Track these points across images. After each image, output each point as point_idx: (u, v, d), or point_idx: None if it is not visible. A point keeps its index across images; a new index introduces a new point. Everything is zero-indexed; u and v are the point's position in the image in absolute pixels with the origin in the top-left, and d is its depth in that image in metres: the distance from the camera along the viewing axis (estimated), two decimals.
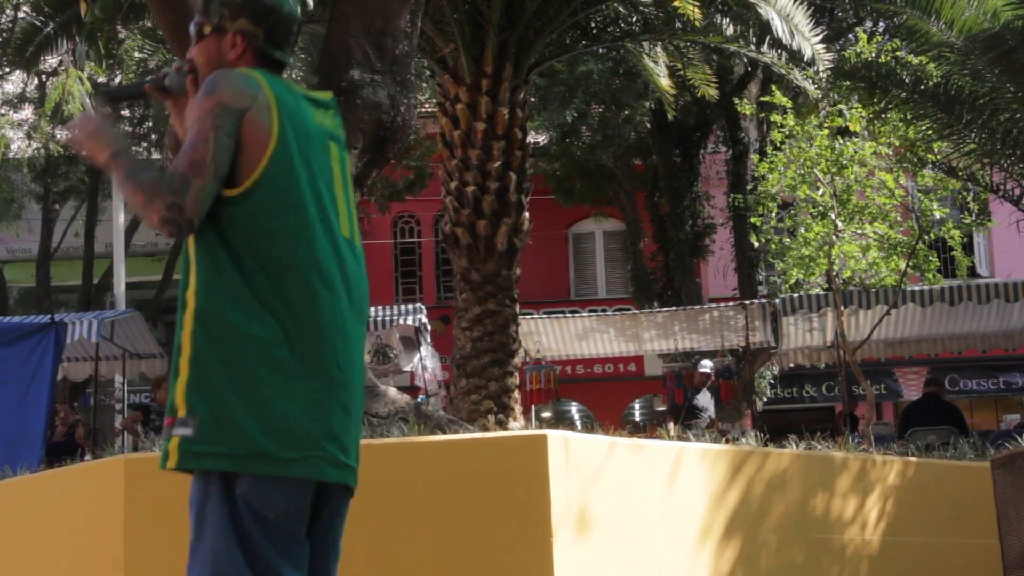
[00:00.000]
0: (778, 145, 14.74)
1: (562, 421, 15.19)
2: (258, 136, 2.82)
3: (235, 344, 2.78)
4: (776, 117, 14.50)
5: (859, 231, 14.40)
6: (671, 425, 13.43)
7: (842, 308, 13.28)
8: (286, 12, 3.05)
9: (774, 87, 15.27)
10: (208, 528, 2.78)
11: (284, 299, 2.81)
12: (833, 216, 13.50)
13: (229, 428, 2.73)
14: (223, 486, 2.75)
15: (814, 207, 14.19)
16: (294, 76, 18.58)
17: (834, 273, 13.64)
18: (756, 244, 18.06)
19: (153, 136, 23.26)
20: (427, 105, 19.61)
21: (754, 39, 13.24)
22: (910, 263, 14.46)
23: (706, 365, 15.77)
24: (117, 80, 21.82)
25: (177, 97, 3.11)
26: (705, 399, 15.15)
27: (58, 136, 22.74)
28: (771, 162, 14.90)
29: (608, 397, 24.18)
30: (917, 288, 14.81)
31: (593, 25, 13.09)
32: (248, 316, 2.79)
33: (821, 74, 12.64)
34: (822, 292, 15.54)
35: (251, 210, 2.82)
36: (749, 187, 19.02)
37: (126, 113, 24.41)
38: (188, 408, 2.76)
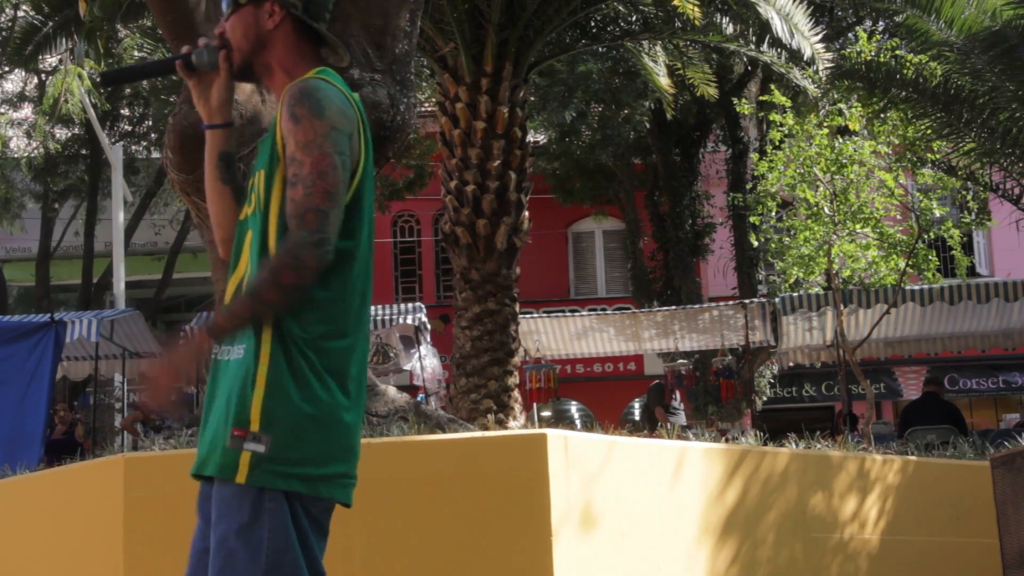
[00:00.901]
0: (777, 144, 14.73)
1: (562, 420, 15.18)
2: (358, 158, 2.77)
3: (310, 364, 2.70)
4: (775, 116, 14.49)
5: (857, 230, 14.39)
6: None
7: (842, 307, 13.28)
8: None
9: (773, 86, 15.26)
10: (266, 542, 2.67)
11: (349, 318, 2.77)
12: (830, 214, 13.49)
13: (301, 449, 2.68)
14: (282, 499, 2.69)
15: (808, 208, 14.18)
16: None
17: (834, 272, 13.64)
18: (756, 243, 18.06)
19: (152, 135, 23.25)
20: (427, 104, 19.62)
21: (754, 38, 13.25)
22: (909, 262, 14.45)
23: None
24: None
25: (202, 75, 2.95)
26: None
27: (58, 135, 22.78)
28: (771, 161, 14.89)
29: (608, 396, 24.18)
30: (917, 287, 14.80)
31: (593, 24, 13.09)
32: (324, 334, 2.71)
33: (821, 73, 12.64)
34: (822, 291, 15.54)
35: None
36: (749, 186, 19.01)
37: (125, 112, 24.41)
38: (263, 423, 2.66)
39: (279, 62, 2.92)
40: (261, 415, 2.65)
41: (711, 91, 14.67)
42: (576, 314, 18.65)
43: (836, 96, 13.31)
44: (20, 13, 17.67)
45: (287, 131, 2.69)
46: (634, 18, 13.16)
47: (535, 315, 17.93)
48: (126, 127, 24.64)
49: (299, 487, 2.66)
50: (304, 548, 2.70)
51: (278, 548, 2.65)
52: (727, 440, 7.38)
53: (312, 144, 2.65)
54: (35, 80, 23.22)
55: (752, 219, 16.62)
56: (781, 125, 14.45)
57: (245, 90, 6.71)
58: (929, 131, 12.04)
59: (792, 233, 15.68)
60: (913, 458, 7.39)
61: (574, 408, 25.49)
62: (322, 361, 2.69)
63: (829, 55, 12.74)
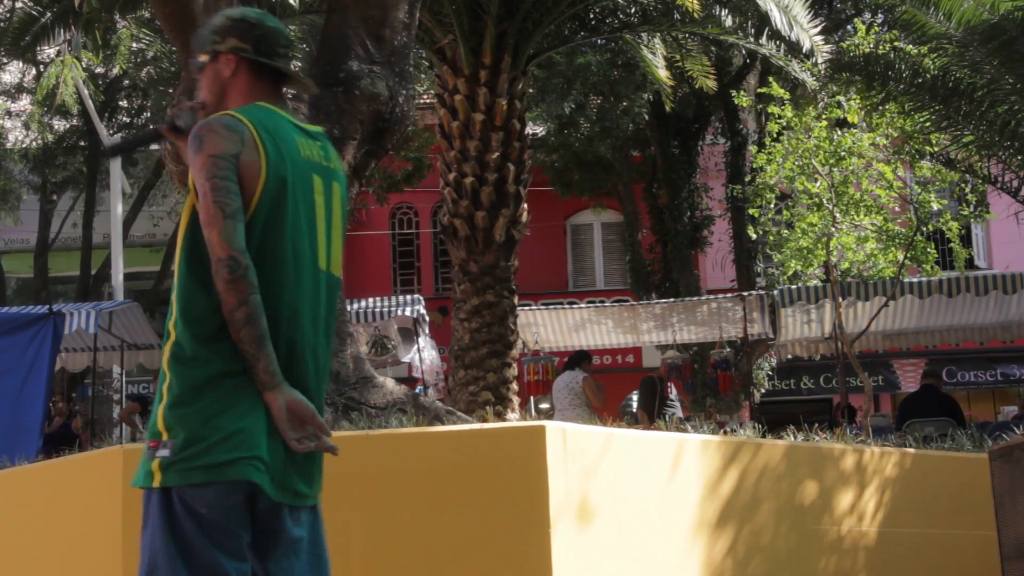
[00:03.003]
0: (776, 137, 14.73)
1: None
2: (252, 174, 2.98)
3: (194, 369, 2.93)
4: (774, 109, 14.49)
5: (856, 222, 14.40)
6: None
7: (840, 300, 13.28)
8: (270, 25, 3.21)
9: (772, 79, 15.25)
10: (148, 543, 2.92)
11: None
12: (830, 207, 13.50)
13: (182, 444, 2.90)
14: (159, 499, 2.90)
15: (809, 198, 14.19)
16: (292, 66, 18.55)
17: (832, 264, 13.64)
18: (754, 236, 18.07)
19: (151, 127, 23.21)
20: (425, 96, 19.60)
21: (753, 30, 13.24)
22: (908, 255, 14.46)
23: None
24: (114, 71, 21.80)
25: (186, 134, 3.16)
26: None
27: (56, 126, 22.76)
28: (769, 153, 14.89)
29: (606, 388, 24.16)
30: (915, 280, 14.81)
31: (591, 16, 13.08)
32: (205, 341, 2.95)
33: (820, 66, 12.63)
34: (820, 284, 15.54)
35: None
36: (747, 179, 19.02)
37: (123, 103, 24.40)
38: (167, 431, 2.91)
39: (236, 106, 3.14)
40: (163, 424, 2.92)
41: (710, 83, 14.67)
42: (574, 306, 18.65)
43: (835, 88, 13.30)
44: (18, 3, 17.64)
45: None
46: (633, 10, 13.15)
47: (533, 307, 17.94)
48: (124, 119, 24.62)
49: (198, 477, 2.86)
50: (184, 546, 2.87)
51: (154, 549, 2.88)
52: (725, 432, 7.39)
53: (196, 181, 2.97)
54: (33, 71, 23.19)
55: (751, 211, 16.63)
56: (780, 117, 14.45)
57: None
58: (928, 124, 12.02)
59: (791, 225, 15.69)
60: (911, 450, 7.40)
61: None
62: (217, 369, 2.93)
63: (828, 47, 12.73)
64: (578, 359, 14.12)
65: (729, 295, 17.65)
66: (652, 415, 13.67)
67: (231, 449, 2.88)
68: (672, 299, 18.44)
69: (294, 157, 3.08)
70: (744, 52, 18.69)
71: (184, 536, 2.86)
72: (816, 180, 13.83)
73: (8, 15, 18.95)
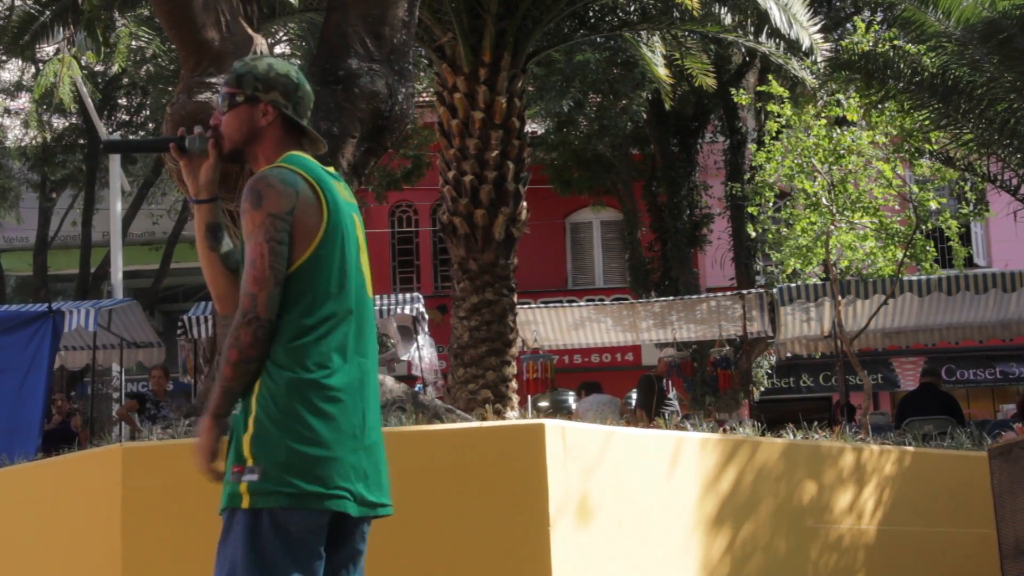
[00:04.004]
0: (775, 135, 14.73)
1: (559, 411, 15.19)
2: (311, 223, 3.21)
3: (297, 401, 3.15)
4: (773, 107, 14.48)
5: (854, 221, 14.40)
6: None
7: (839, 298, 13.28)
8: (307, 88, 3.45)
9: (771, 77, 15.24)
10: (228, 558, 3.12)
11: (330, 353, 3.21)
12: (828, 204, 13.50)
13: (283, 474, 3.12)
14: (244, 519, 3.11)
15: (807, 197, 14.19)
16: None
17: (831, 263, 13.64)
18: (753, 234, 18.06)
19: (150, 125, 23.22)
20: (425, 94, 19.58)
21: (752, 28, 13.23)
22: (907, 253, 14.46)
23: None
24: (113, 69, 21.78)
25: (192, 157, 3.39)
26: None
27: (55, 124, 22.74)
28: (768, 152, 14.89)
29: (605, 386, 24.15)
30: (914, 278, 14.80)
31: (591, 14, 13.08)
32: (306, 371, 3.19)
33: (819, 64, 12.63)
34: (819, 282, 15.54)
35: (297, 280, 3.22)
36: (746, 177, 19.01)
37: (123, 101, 24.39)
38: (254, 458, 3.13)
39: (264, 153, 3.37)
40: (250, 451, 3.12)
41: (709, 81, 14.66)
42: (574, 304, 18.65)
43: (834, 87, 13.30)
44: (17, 1, 17.63)
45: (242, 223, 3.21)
46: (632, 8, 13.14)
47: (533, 305, 17.93)
48: (124, 117, 24.61)
49: (284, 503, 3.08)
50: (270, 557, 3.07)
51: (234, 563, 3.08)
52: (725, 430, 7.39)
53: (250, 235, 3.17)
54: (32, 69, 23.18)
55: (750, 209, 16.63)
56: (779, 116, 14.44)
57: None
58: (927, 122, 12.02)
59: (790, 223, 15.69)
60: (910, 449, 7.40)
61: (571, 399, 25.48)
62: (308, 394, 3.14)
63: (827, 45, 12.72)
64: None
65: (728, 293, 17.65)
66: (650, 413, 13.68)
67: (321, 478, 3.11)
68: (671, 297, 18.43)
69: (339, 200, 3.30)
70: (743, 50, 18.68)
71: (267, 554, 3.07)
72: (815, 179, 13.83)
73: (7, 13, 18.93)
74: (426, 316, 17.14)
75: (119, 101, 24.36)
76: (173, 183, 17.19)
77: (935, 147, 13.34)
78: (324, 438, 3.12)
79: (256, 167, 3.36)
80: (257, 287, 3.14)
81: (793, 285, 15.19)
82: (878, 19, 19.29)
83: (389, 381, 6.80)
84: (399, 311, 16.39)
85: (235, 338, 3.12)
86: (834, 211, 13.61)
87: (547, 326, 17.88)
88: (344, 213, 3.31)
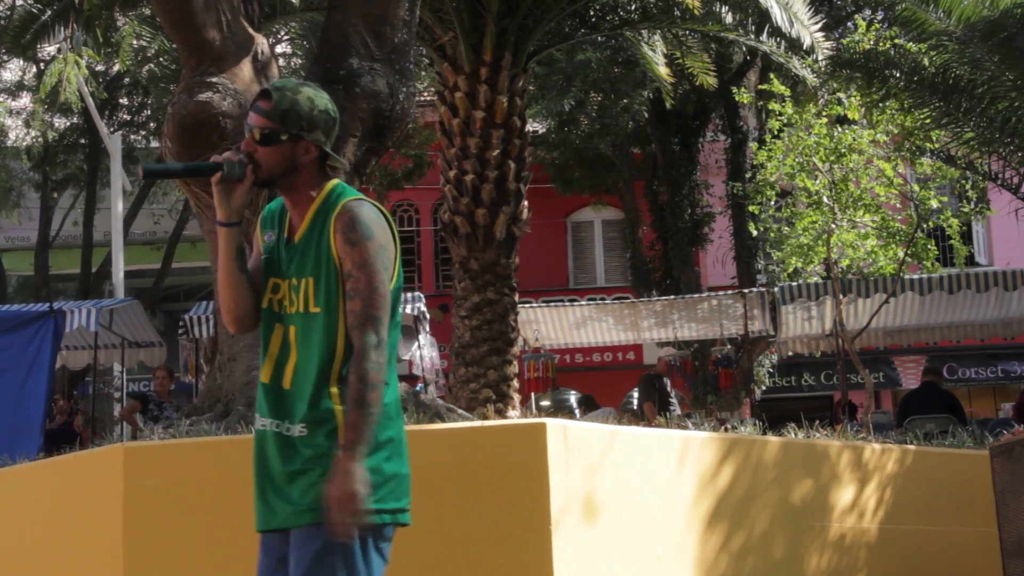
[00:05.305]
0: (776, 133, 14.72)
1: (561, 410, 15.18)
2: (394, 253, 3.39)
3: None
4: (774, 105, 14.48)
5: (856, 219, 14.39)
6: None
7: (841, 296, 13.28)
8: (337, 119, 3.53)
9: (772, 75, 15.24)
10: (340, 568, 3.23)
11: (393, 391, 3.39)
12: (830, 202, 13.49)
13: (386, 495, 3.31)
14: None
15: (808, 196, 14.18)
16: (292, 64, 18.55)
17: (833, 261, 13.64)
18: (755, 232, 18.06)
19: (152, 124, 23.22)
20: (426, 93, 19.58)
21: (753, 27, 13.22)
22: (908, 251, 14.45)
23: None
24: (115, 68, 21.78)
25: (227, 182, 3.40)
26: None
27: (57, 124, 22.73)
28: (770, 150, 14.88)
29: (606, 385, 24.17)
30: (916, 276, 14.80)
31: (592, 13, 13.07)
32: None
33: (820, 63, 12.62)
34: (821, 280, 15.53)
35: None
36: (748, 175, 19.01)
37: (124, 101, 24.38)
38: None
39: (304, 183, 3.43)
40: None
41: (710, 80, 14.65)
42: (575, 303, 18.65)
43: (835, 85, 13.29)
44: (18, 1, 17.63)
45: (344, 252, 3.29)
46: (633, 7, 13.13)
47: (534, 304, 17.93)
48: (125, 116, 24.62)
49: (387, 519, 3.29)
50: (368, 568, 3.25)
51: (349, 571, 3.21)
52: (726, 429, 7.39)
53: (366, 264, 3.28)
54: (33, 69, 23.18)
55: (751, 208, 16.62)
56: (780, 114, 14.44)
57: (244, 79, 6.71)
58: (928, 120, 12.01)
59: (791, 222, 15.68)
60: (912, 447, 7.40)
61: (573, 398, 25.49)
62: (385, 415, 3.30)
63: (828, 44, 12.72)
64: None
65: (730, 292, 17.64)
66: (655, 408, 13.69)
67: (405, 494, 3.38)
68: (673, 296, 18.43)
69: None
70: (744, 49, 18.67)
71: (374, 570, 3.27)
72: (816, 177, 13.82)
73: (8, 13, 18.94)
74: (427, 315, 17.14)
75: (120, 100, 24.36)
76: (174, 183, 17.18)
77: (936, 146, 13.34)
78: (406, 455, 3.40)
79: (293, 195, 3.44)
80: (381, 311, 3.26)
81: (794, 284, 15.19)
82: (879, 18, 19.29)
83: None
84: (400, 310, 16.37)
85: (374, 362, 3.22)
86: (835, 210, 13.60)
87: (548, 325, 17.88)
88: None
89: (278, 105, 3.38)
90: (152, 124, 23.19)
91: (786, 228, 16.08)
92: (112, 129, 21.83)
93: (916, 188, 14.36)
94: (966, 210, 15.42)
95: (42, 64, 22.03)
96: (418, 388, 12.54)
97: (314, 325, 3.32)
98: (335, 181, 3.45)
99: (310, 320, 3.33)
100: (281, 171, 3.41)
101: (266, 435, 3.35)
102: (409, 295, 17.08)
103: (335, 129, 3.49)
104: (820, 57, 12.44)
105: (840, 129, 13.70)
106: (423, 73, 17.26)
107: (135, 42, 16.84)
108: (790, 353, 18.43)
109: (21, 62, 22.94)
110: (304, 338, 3.34)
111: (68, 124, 23.72)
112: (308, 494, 3.25)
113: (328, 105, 3.46)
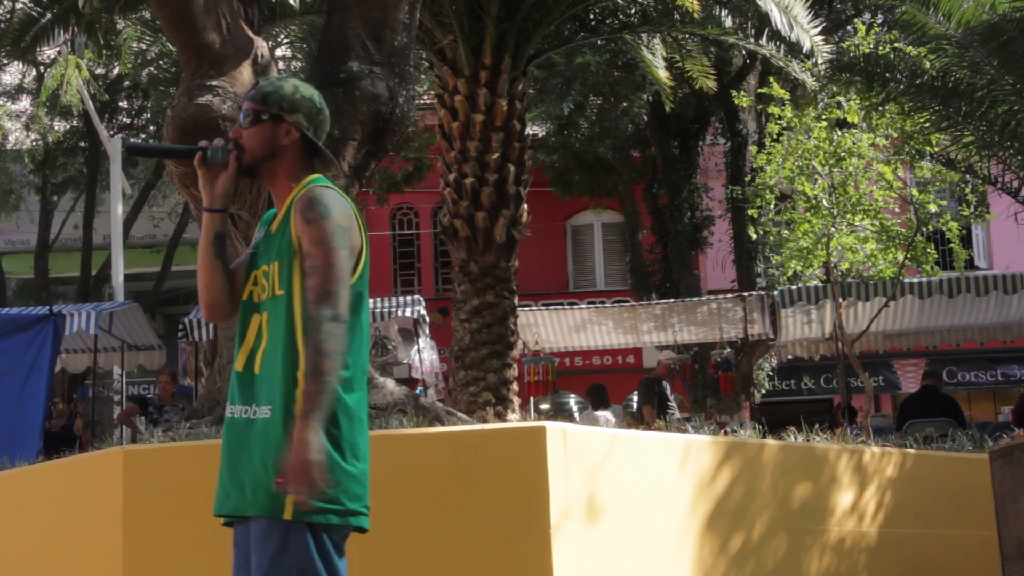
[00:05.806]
0: (776, 137, 14.72)
1: (560, 413, 15.17)
2: (358, 246, 3.38)
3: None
4: (774, 109, 14.49)
5: (855, 223, 14.38)
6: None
7: (840, 300, 13.28)
8: (327, 113, 3.62)
9: (772, 79, 15.24)
10: (295, 567, 3.21)
11: (359, 377, 3.37)
12: (829, 207, 13.49)
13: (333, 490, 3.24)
14: (306, 530, 3.21)
15: (806, 201, 14.18)
16: (292, 67, 18.56)
17: (832, 265, 13.63)
18: (754, 236, 18.06)
19: (151, 128, 23.23)
20: (425, 97, 19.59)
21: (753, 31, 13.24)
22: (908, 255, 14.44)
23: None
24: (115, 71, 21.79)
25: (211, 167, 3.47)
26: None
27: (56, 127, 22.71)
28: (769, 154, 14.88)
29: (608, 388, 24.16)
30: (915, 280, 14.78)
31: (591, 17, 13.09)
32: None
33: (820, 66, 12.62)
34: (820, 284, 15.53)
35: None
36: (747, 179, 19.01)
37: (124, 104, 24.38)
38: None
39: (284, 170, 3.50)
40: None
41: (710, 84, 14.66)
42: (575, 307, 18.64)
43: (834, 89, 13.29)
44: (18, 4, 17.63)
45: (302, 232, 3.31)
46: (633, 11, 13.15)
47: (534, 308, 17.95)
48: (125, 119, 24.61)
49: (335, 520, 3.22)
50: (328, 569, 3.22)
51: (303, 572, 3.18)
52: (726, 433, 7.39)
53: (322, 241, 3.28)
54: (33, 72, 23.19)
55: (751, 212, 16.62)
56: (780, 118, 14.44)
57: (244, 83, 6.71)
58: (927, 124, 12.02)
59: (791, 226, 15.67)
60: (912, 451, 7.40)
61: (572, 401, 25.47)
62: (344, 411, 3.26)
63: (828, 48, 12.72)
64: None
65: (729, 295, 17.64)
66: (654, 412, 13.68)
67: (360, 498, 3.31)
68: (672, 300, 18.43)
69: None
70: (744, 52, 18.68)
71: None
72: (816, 181, 13.82)
73: (8, 16, 18.93)
74: (427, 318, 17.14)
75: (120, 104, 24.37)
76: (174, 186, 17.18)
77: (936, 149, 13.33)
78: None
79: (272, 183, 3.51)
80: (339, 286, 3.25)
81: (794, 287, 15.18)
82: (879, 21, 19.29)
83: (390, 384, 6.80)
84: (400, 313, 16.39)
85: (328, 333, 3.19)
86: (835, 213, 13.59)
87: (548, 328, 17.88)
88: None
89: (262, 88, 3.51)
90: (152, 127, 23.19)
91: (786, 232, 16.08)
92: (112, 132, 21.82)
93: (915, 192, 14.35)
94: (966, 214, 15.40)
95: (42, 67, 22.04)
96: (418, 391, 12.54)
97: (280, 308, 3.35)
98: (316, 175, 3.49)
99: (277, 303, 3.36)
100: (263, 153, 3.46)
101: (234, 423, 3.34)
102: (409, 298, 17.09)
103: (323, 122, 3.56)
104: (820, 61, 12.44)
105: (840, 133, 13.69)
106: (423, 76, 17.28)
107: (135, 45, 16.85)
108: (790, 357, 18.41)
109: (21, 65, 22.93)
110: (273, 322, 3.36)
111: (68, 127, 23.72)
112: (265, 481, 3.24)
113: (314, 95, 3.54)
